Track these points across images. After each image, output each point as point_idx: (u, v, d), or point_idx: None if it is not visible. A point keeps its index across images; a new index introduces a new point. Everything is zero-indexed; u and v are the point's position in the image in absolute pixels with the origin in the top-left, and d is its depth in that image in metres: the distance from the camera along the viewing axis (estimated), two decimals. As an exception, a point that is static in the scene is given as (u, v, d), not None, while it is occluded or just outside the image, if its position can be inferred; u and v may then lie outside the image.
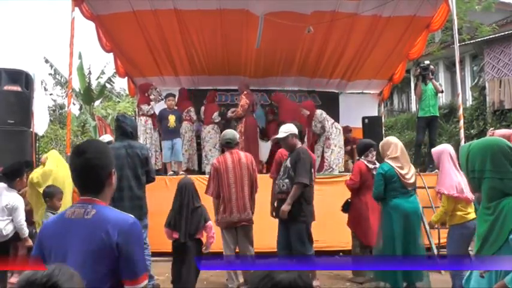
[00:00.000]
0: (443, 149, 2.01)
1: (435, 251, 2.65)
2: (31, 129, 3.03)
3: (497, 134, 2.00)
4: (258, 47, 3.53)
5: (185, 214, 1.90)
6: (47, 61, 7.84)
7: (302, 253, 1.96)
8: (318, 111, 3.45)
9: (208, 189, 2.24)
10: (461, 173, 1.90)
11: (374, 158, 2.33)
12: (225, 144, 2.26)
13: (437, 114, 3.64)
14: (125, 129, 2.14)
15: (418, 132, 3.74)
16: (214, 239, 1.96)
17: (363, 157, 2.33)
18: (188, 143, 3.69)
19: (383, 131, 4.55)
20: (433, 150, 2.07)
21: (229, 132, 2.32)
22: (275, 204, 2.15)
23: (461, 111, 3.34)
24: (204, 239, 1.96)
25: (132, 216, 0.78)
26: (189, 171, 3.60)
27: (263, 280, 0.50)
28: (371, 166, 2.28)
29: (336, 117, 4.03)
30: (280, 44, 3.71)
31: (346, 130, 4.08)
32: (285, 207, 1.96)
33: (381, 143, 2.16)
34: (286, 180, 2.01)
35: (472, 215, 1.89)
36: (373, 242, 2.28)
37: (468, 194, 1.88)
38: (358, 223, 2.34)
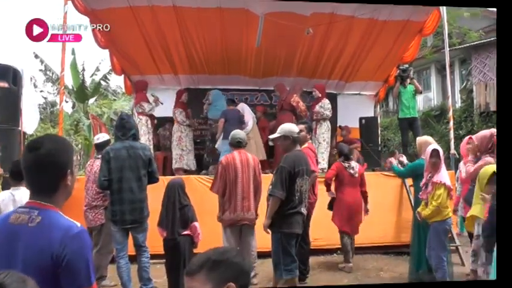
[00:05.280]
0: (427, 140, 2.15)
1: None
2: (19, 128, 2.91)
3: (478, 136, 2.11)
4: (258, 46, 3.53)
5: (172, 212, 1.94)
6: (36, 56, 7.49)
7: (275, 264, 1.86)
8: (327, 100, 3.61)
9: (213, 186, 2.24)
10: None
11: (344, 160, 2.60)
12: (235, 144, 2.24)
13: (417, 115, 3.79)
14: (129, 129, 2.07)
15: (402, 134, 3.94)
16: (200, 237, 1.98)
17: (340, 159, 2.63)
18: (175, 143, 3.60)
19: (379, 131, 4.70)
20: (418, 139, 2.22)
21: (240, 132, 2.33)
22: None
23: (451, 113, 3.50)
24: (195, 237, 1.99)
25: (78, 225, 0.71)
26: (184, 171, 3.52)
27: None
28: (346, 165, 2.59)
29: (334, 118, 4.09)
30: (280, 44, 3.66)
31: (345, 130, 4.16)
32: (264, 222, 1.88)
33: (419, 141, 2.40)
34: (270, 187, 1.92)
35: (451, 213, 2.05)
36: (353, 230, 2.55)
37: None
38: (336, 215, 2.58)
